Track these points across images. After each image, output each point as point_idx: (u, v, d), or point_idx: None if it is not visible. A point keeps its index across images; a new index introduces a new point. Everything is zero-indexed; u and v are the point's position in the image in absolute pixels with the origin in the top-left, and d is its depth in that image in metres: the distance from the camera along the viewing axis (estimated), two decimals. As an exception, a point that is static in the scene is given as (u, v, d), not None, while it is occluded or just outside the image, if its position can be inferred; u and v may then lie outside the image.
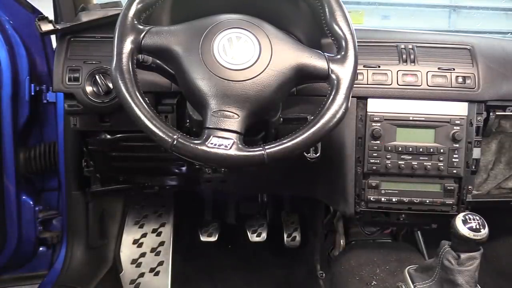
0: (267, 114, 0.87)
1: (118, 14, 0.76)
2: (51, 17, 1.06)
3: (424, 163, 1.03)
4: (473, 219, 0.73)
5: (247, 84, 0.72)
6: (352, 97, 0.83)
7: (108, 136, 1.09)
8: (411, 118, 1.03)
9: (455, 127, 1.02)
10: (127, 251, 1.50)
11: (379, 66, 1.03)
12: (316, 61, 0.76)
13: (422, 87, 1.03)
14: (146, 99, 0.73)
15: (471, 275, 0.73)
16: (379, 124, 1.03)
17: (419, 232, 1.39)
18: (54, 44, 1.17)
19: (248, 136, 0.77)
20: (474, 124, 1.04)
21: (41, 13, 1.11)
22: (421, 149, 1.03)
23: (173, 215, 1.58)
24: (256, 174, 1.20)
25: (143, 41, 0.74)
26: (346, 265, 1.23)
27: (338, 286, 1.22)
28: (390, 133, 1.03)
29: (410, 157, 1.03)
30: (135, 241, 1.52)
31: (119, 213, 1.53)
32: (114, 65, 0.72)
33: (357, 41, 0.78)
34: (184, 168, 1.18)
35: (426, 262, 0.83)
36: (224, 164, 0.74)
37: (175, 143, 0.70)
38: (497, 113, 1.06)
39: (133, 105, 0.71)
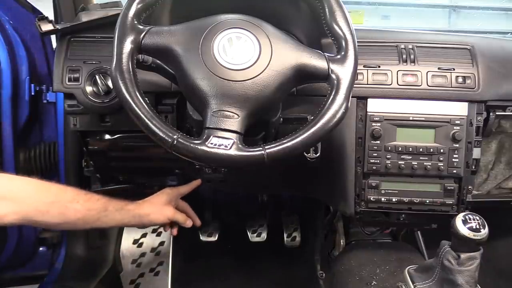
0: (267, 114, 0.87)
1: (118, 14, 0.76)
2: (51, 17, 1.06)
3: (424, 163, 1.03)
4: (473, 219, 0.73)
5: (247, 84, 0.72)
6: (352, 97, 0.83)
7: (108, 136, 1.09)
8: (411, 118, 1.03)
9: (455, 127, 1.02)
10: (127, 251, 1.50)
11: (379, 66, 1.03)
12: (316, 61, 0.76)
13: (422, 87, 1.03)
14: (146, 99, 0.73)
15: (471, 275, 0.73)
16: (379, 124, 1.03)
17: (419, 232, 1.39)
18: (54, 44, 1.17)
19: (248, 136, 0.77)
20: (474, 124, 1.04)
21: (41, 13, 1.11)
22: (421, 149, 1.03)
23: (173, 215, 1.58)
24: (256, 174, 1.20)
25: (143, 41, 0.74)
26: (346, 265, 1.23)
27: (338, 286, 1.22)
28: (390, 133, 1.03)
29: (410, 157, 1.03)
30: (135, 241, 1.53)
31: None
32: (114, 65, 0.72)
33: (357, 41, 0.78)
34: (184, 168, 1.18)
35: (426, 262, 0.82)
36: (224, 164, 0.74)
37: (175, 143, 0.70)
38: (497, 113, 1.06)
39: (133, 105, 0.71)
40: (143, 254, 1.51)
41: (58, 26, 1.01)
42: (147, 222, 1.01)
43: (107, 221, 0.93)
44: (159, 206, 1.03)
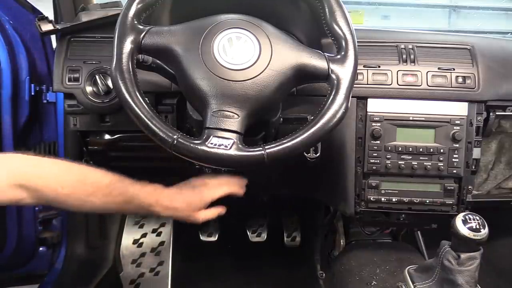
0: (267, 114, 0.87)
1: (118, 14, 0.76)
2: (51, 17, 1.06)
3: (424, 163, 1.03)
4: (473, 219, 0.73)
5: (247, 84, 0.72)
6: (352, 97, 0.83)
7: (108, 136, 1.09)
8: (411, 118, 1.03)
9: (455, 127, 1.02)
10: (127, 251, 1.50)
11: (379, 66, 1.03)
12: (316, 61, 0.76)
13: (422, 87, 1.03)
14: (146, 99, 0.73)
15: (471, 275, 0.73)
16: (379, 124, 1.03)
17: (419, 232, 1.39)
18: (54, 44, 1.16)
19: (248, 136, 0.77)
20: (474, 124, 1.04)
21: (41, 13, 1.11)
22: (421, 149, 1.03)
23: (173, 215, 1.58)
24: (256, 174, 1.20)
25: (143, 41, 0.74)
26: (346, 265, 1.23)
27: (338, 286, 1.22)
28: (390, 133, 1.03)
29: (410, 157, 1.03)
30: (135, 241, 1.53)
31: (119, 213, 1.53)
32: (114, 65, 0.72)
33: (357, 41, 0.78)
34: (184, 169, 1.18)
35: (426, 262, 0.82)
36: (224, 164, 0.74)
37: (175, 143, 0.71)
38: (497, 113, 1.06)
39: (133, 105, 0.71)
40: (143, 254, 1.51)
41: (58, 26, 1.01)
42: (169, 215, 0.93)
43: (127, 213, 0.92)
44: (192, 212, 0.93)
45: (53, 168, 0.84)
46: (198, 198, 0.94)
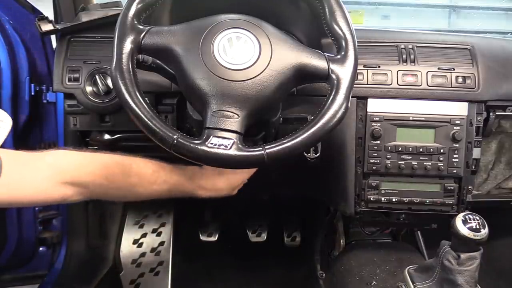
0: (267, 114, 0.87)
1: (118, 14, 0.76)
2: (51, 17, 1.06)
3: (424, 163, 1.03)
4: (473, 219, 0.73)
5: (247, 84, 0.72)
6: (352, 97, 0.83)
7: (108, 136, 1.09)
8: (411, 118, 1.03)
9: (455, 127, 1.02)
10: (127, 251, 1.50)
11: (379, 66, 1.03)
12: (316, 61, 0.76)
13: (422, 87, 1.03)
14: (146, 99, 0.73)
15: (471, 275, 0.73)
16: (379, 124, 1.03)
17: (419, 232, 1.39)
18: (54, 44, 1.17)
19: (248, 136, 0.76)
20: (474, 124, 1.04)
21: (41, 13, 1.11)
22: (421, 149, 1.03)
23: (173, 215, 1.59)
24: (256, 174, 1.20)
25: (143, 41, 0.74)
26: (346, 265, 1.23)
27: (338, 286, 1.22)
28: (390, 133, 1.03)
29: (410, 157, 1.03)
30: (135, 241, 1.53)
31: (119, 213, 1.53)
32: (114, 65, 0.72)
33: (357, 41, 0.78)
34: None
35: (426, 262, 0.82)
36: (224, 164, 0.74)
37: (175, 142, 0.70)
38: (497, 113, 1.06)
39: (133, 105, 0.71)
40: (143, 254, 1.51)
41: (58, 26, 1.01)
42: (210, 196, 0.96)
43: (171, 197, 0.92)
44: (231, 190, 0.99)
45: (97, 161, 0.83)
46: (239, 177, 0.98)
